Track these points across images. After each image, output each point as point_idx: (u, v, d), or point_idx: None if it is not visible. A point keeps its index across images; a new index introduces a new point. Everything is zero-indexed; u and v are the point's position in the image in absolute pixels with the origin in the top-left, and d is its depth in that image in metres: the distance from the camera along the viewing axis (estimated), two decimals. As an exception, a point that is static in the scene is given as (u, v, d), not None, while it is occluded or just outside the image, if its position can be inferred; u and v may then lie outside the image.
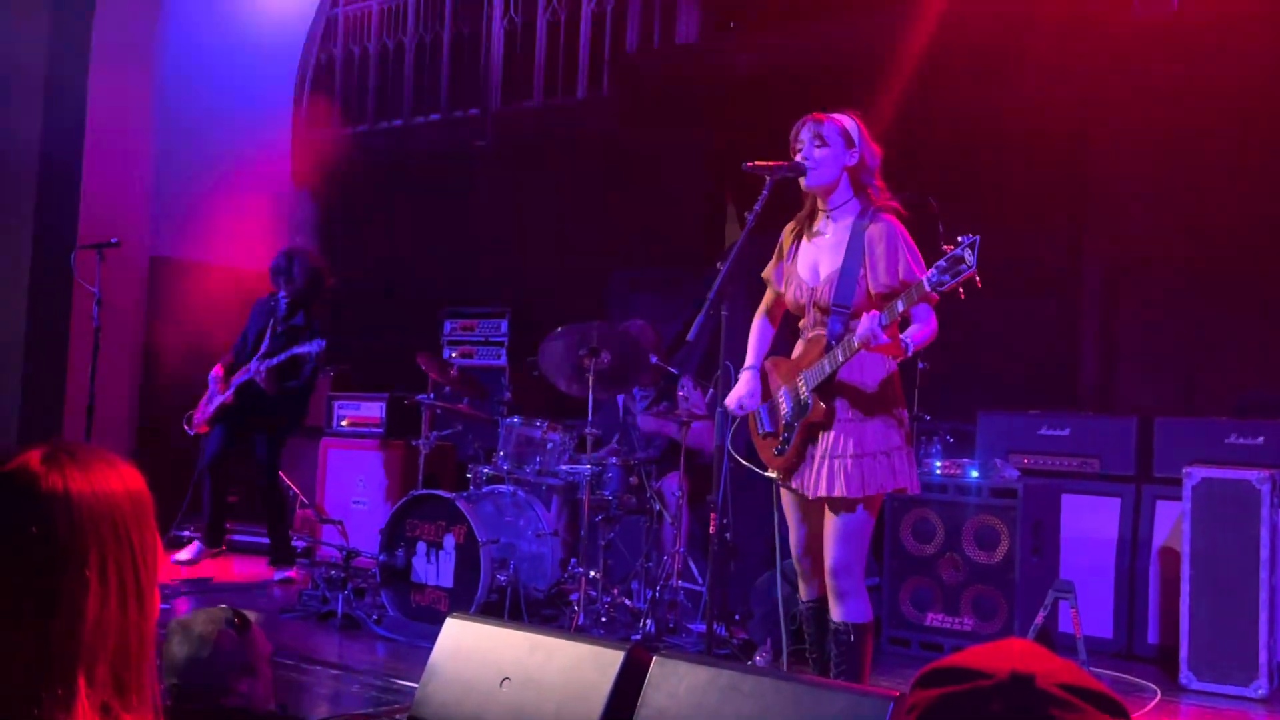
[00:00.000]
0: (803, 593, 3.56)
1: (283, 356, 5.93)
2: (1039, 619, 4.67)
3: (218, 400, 6.12)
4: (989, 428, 5.70)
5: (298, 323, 6.13)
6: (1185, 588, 4.60)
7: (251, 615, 2.43)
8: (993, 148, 7.03)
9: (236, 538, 7.15)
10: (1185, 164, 6.40)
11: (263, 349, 6.09)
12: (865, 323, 3.09)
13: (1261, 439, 4.97)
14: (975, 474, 5.07)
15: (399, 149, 9.79)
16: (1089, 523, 5.32)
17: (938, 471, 5.17)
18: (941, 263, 2.97)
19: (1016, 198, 6.92)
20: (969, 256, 2.90)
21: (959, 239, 2.93)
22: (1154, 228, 6.48)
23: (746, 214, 3.32)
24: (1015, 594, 4.82)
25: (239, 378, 6.05)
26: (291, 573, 6.26)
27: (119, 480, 1.27)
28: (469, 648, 3.02)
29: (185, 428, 6.23)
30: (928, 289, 2.99)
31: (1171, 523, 5.09)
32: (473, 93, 9.41)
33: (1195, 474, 4.63)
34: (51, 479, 1.22)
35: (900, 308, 3.08)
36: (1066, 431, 5.48)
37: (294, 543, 6.95)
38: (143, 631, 1.25)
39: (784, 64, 7.65)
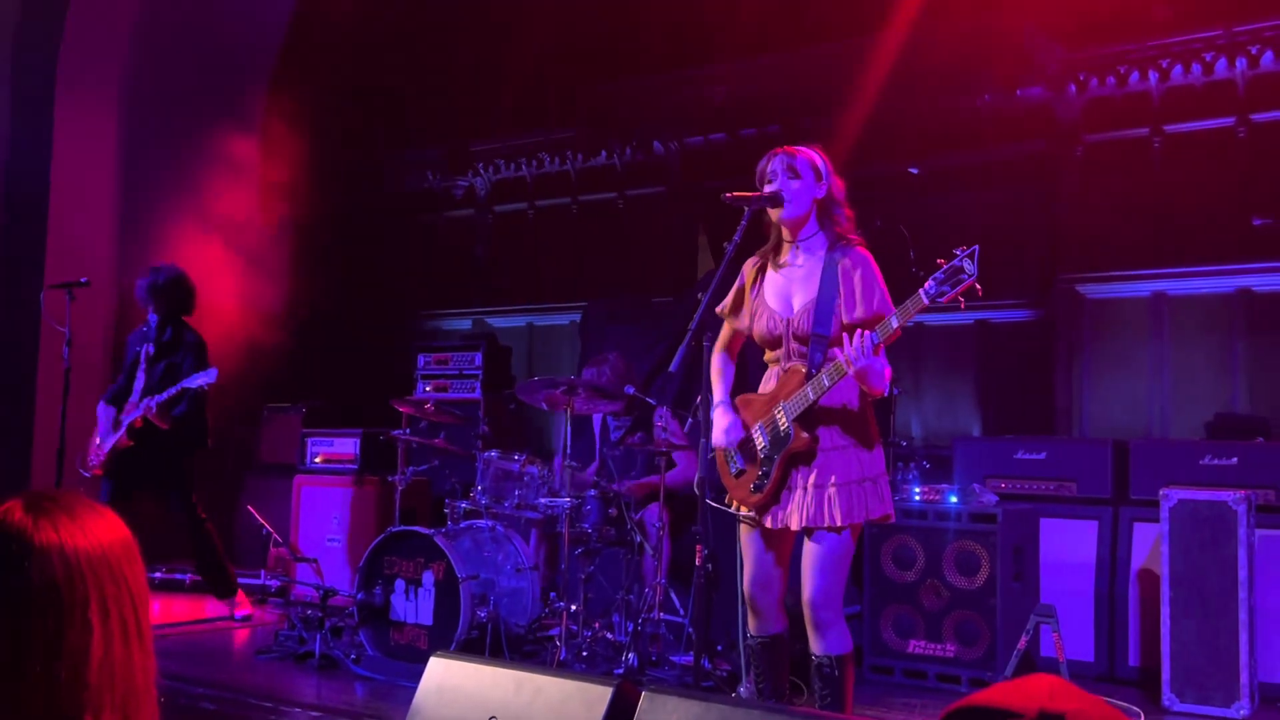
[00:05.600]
0: (753, 628, 3.52)
1: (172, 390, 5.61)
2: (1021, 644, 4.67)
3: (111, 441, 5.77)
4: (966, 453, 5.71)
5: (167, 339, 5.86)
6: (1165, 609, 4.62)
7: None
8: (962, 173, 7.12)
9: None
10: (1154, 183, 6.49)
11: (139, 379, 5.81)
12: (855, 342, 3.08)
13: (1235, 459, 5.01)
14: (954, 500, 5.08)
15: (369, 182, 9.77)
16: (1067, 546, 5.34)
17: (917, 498, 5.17)
18: (939, 274, 2.97)
19: (986, 219, 7.00)
20: (969, 266, 2.92)
21: (955, 251, 2.95)
22: (1123, 248, 6.56)
23: (725, 244, 3.32)
24: (997, 619, 4.82)
25: (128, 416, 5.72)
26: (241, 603, 6.14)
27: (106, 525, 1.27)
28: (454, 687, 2.98)
29: (80, 469, 5.86)
30: (925, 301, 2.99)
31: (1149, 544, 5.12)
32: (443, 127, 9.41)
33: (1172, 495, 4.66)
34: (42, 526, 1.21)
35: (895, 324, 3.07)
36: (1043, 455, 5.50)
37: (267, 582, 6.87)
38: (147, 670, 1.25)
39: (752, 95, 7.72)
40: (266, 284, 9.05)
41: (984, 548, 4.89)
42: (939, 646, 4.97)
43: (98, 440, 5.79)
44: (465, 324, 9.19)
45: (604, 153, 8.61)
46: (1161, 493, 4.71)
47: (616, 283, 8.44)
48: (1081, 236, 6.73)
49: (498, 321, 9.01)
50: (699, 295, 3.34)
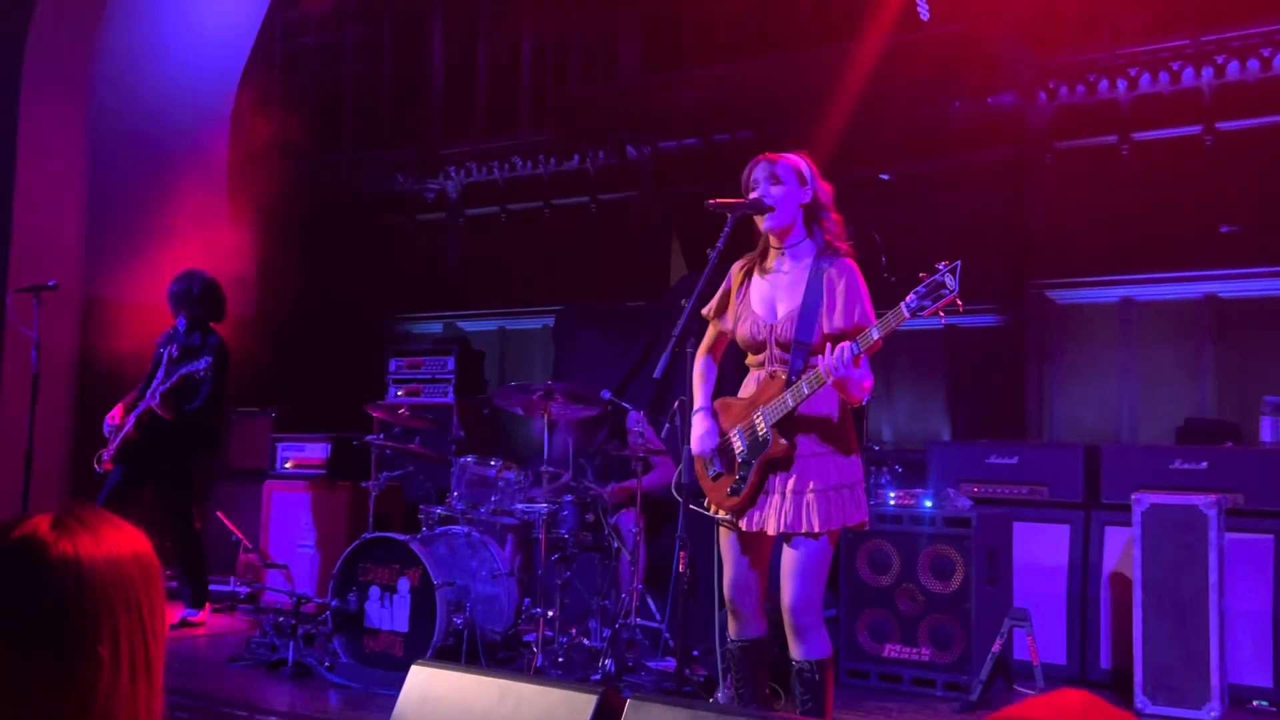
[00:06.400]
0: (733, 631, 3.53)
1: (174, 378, 5.62)
2: (996, 647, 4.71)
3: (121, 434, 5.79)
4: (939, 457, 5.75)
5: (194, 343, 5.89)
6: (1138, 612, 4.67)
7: None
8: (933, 179, 7.17)
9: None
10: (1123, 190, 6.56)
11: (158, 377, 5.81)
12: (836, 352, 3.09)
13: (1205, 464, 5.07)
14: (929, 504, 5.11)
15: (339, 184, 9.70)
16: (1039, 550, 5.38)
17: (892, 502, 5.20)
18: (920, 288, 2.98)
19: (957, 224, 7.05)
20: (950, 281, 2.93)
21: (938, 265, 2.96)
22: (1092, 253, 6.63)
23: (709, 251, 3.32)
24: (972, 623, 4.85)
25: (138, 408, 5.74)
26: (199, 615, 6.12)
27: (127, 545, 1.20)
28: (436, 696, 2.95)
29: (95, 466, 5.90)
30: (906, 314, 3.00)
31: (1121, 548, 5.17)
32: (414, 129, 9.37)
33: (1144, 500, 4.71)
34: (62, 546, 1.15)
35: (875, 336, 3.08)
36: (1015, 460, 5.54)
37: (237, 588, 6.80)
38: (152, 708, 1.18)
39: (726, 100, 7.73)
40: (234, 286, 8.97)
41: (958, 552, 4.92)
42: (914, 650, 5.00)
43: (111, 439, 5.79)
44: (436, 327, 9.14)
45: (576, 157, 8.59)
46: (1133, 497, 4.76)
47: (589, 287, 8.43)
48: (1051, 242, 6.80)
49: (469, 325, 8.97)
50: (682, 301, 3.33)
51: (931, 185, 7.19)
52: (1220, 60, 6.30)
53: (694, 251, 8.14)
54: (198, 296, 5.93)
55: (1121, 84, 6.57)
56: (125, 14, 8.47)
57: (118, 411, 5.83)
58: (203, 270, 6.15)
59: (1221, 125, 6.35)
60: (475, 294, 9.08)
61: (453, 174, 9.16)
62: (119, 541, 1.20)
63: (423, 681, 3.00)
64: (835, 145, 6.71)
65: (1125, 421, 6.54)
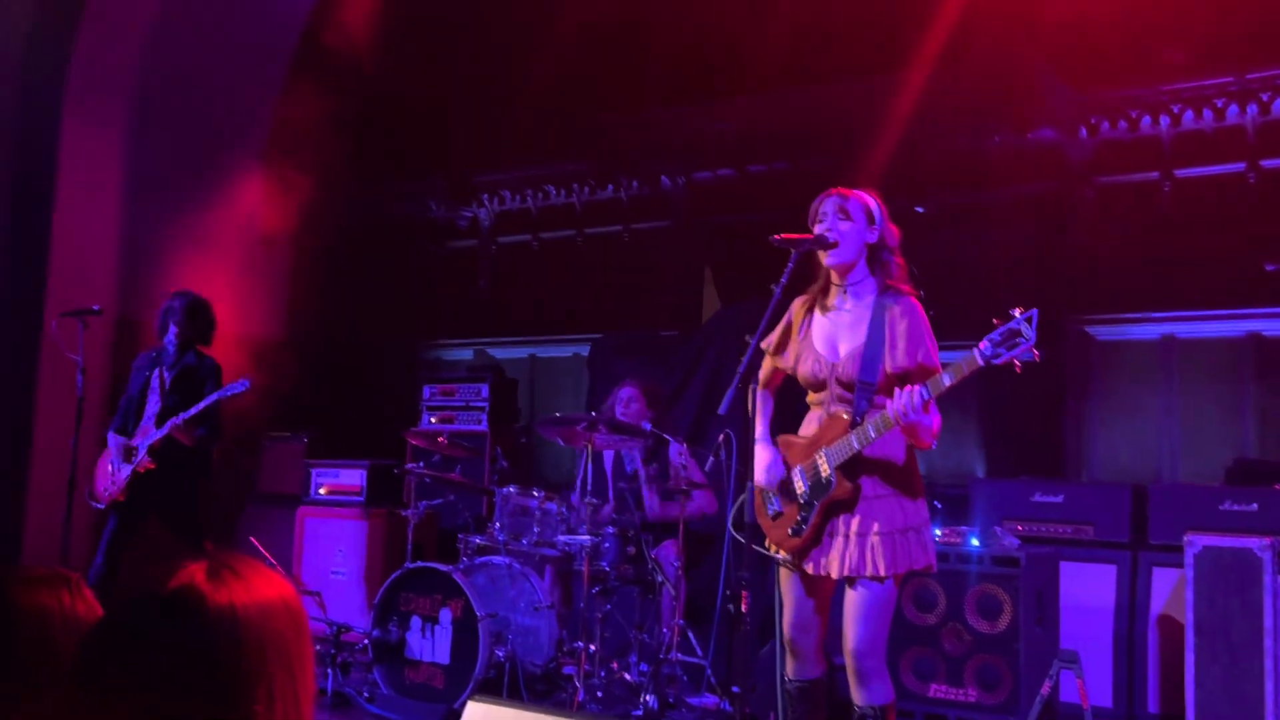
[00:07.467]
0: (791, 671, 3.47)
1: (210, 399, 5.36)
2: (1044, 689, 4.63)
3: (130, 467, 5.49)
4: (982, 494, 5.69)
5: (189, 362, 5.67)
6: (1190, 656, 4.59)
7: None
8: (972, 213, 7.14)
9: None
10: (1164, 226, 6.53)
11: (152, 403, 5.57)
12: (905, 397, 3.05)
13: (1255, 505, 5.01)
14: (975, 542, 5.05)
15: (372, 211, 9.72)
16: (1085, 590, 5.31)
17: (938, 540, 5.14)
18: (995, 335, 2.94)
19: (996, 259, 7.01)
20: (1027, 330, 2.89)
21: (1013, 312, 2.92)
22: (1133, 290, 6.59)
23: (773, 285, 3.28)
24: (1020, 664, 4.78)
25: (148, 438, 5.46)
26: None
27: (277, 594, 1.15)
28: (494, 733, 2.91)
29: (91, 502, 5.61)
30: (980, 362, 2.96)
31: (1169, 590, 5.10)
32: (447, 156, 9.38)
33: (1197, 542, 4.64)
34: (218, 598, 1.10)
35: (946, 382, 3.04)
36: (1060, 498, 5.49)
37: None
38: None
39: (762, 131, 7.73)
40: (268, 312, 8.97)
41: (1006, 591, 4.86)
42: (960, 691, 4.93)
43: (110, 468, 5.56)
44: (466, 354, 9.13)
45: (610, 186, 8.59)
46: (1186, 538, 4.69)
47: (620, 316, 8.41)
48: (1091, 278, 6.75)
49: (499, 353, 8.96)
50: (746, 337, 3.29)
51: (971, 219, 7.16)
52: (1265, 98, 6.27)
53: (727, 282, 8.12)
54: (193, 315, 5.69)
55: (1164, 120, 6.55)
56: (165, 39, 8.52)
57: (119, 438, 5.57)
58: (192, 292, 5.88)
59: (1265, 163, 6.31)
60: (506, 322, 9.07)
61: (486, 202, 9.17)
62: (269, 591, 1.15)
63: (480, 718, 2.96)
64: (873, 178, 6.69)
65: (1166, 460, 6.47)
